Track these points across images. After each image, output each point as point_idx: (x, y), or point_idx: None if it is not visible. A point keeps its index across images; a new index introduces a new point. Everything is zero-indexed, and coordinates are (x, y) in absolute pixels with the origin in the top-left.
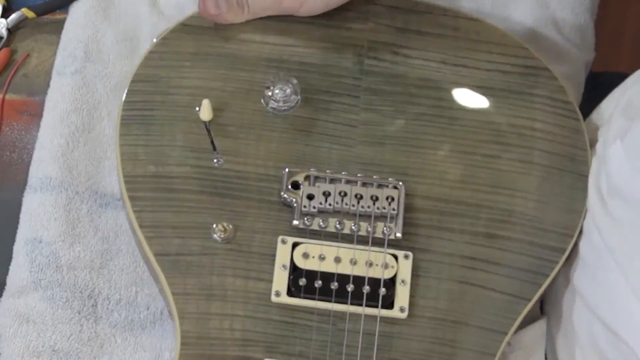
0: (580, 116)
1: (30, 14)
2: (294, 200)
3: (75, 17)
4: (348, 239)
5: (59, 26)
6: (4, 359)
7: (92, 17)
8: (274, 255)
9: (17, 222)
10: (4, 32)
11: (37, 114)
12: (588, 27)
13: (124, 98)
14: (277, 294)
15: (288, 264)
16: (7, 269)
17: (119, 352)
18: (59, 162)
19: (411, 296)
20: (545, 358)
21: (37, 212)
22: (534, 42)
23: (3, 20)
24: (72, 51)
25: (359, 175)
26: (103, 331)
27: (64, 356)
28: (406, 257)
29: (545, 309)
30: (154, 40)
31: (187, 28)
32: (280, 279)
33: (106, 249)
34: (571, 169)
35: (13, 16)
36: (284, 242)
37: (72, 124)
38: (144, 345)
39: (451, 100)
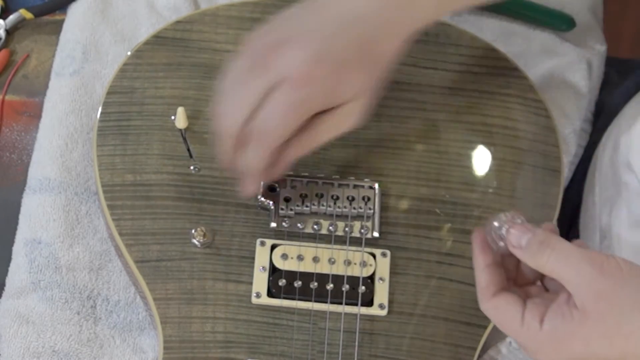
0: (551, 113)
1: (28, 15)
2: (271, 203)
3: (73, 18)
4: (326, 239)
5: (58, 27)
6: (4, 359)
7: (90, 18)
8: (253, 258)
9: (17, 223)
10: (2, 34)
11: (36, 114)
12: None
13: (99, 110)
14: (258, 295)
15: (267, 265)
16: (7, 270)
17: (119, 352)
18: (57, 163)
19: (390, 293)
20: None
21: (36, 213)
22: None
23: (1, 21)
24: (71, 52)
25: (334, 177)
26: (102, 332)
27: (64, 357)
28: (384, 255)
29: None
30: (128, 53)
31: (160, 40)
32: (260, 281)
33: (105, 250)
34: (543, 165)
35: (11, 17)
36: (262, 244)
37: (71, 124)
38: (142, 347)
39: (423, 101)
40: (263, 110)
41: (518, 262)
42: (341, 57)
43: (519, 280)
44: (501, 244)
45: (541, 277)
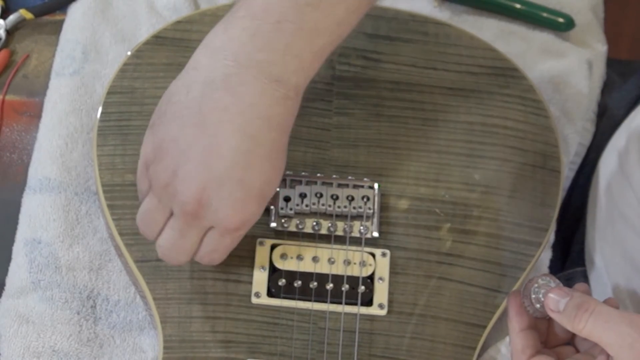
0: (551, 114)
1: (28, 15)
2: (271, 202)
3: (73, 18)
4: (325, 239)
5: (58, 27)
6: (4, 359)
7: (90, 18)
8: (253, 258)
9: (17, 223)
10: (2, 34)
11: (37, 114)
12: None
13: (100, 110)
14: (257, 295)
15: (267, 265)
16: (7, 270)
17: (119, 352)
18: (57, 163)
19: (390, 293)
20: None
21: (36, 213)
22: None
23: (1, 21)
24: (71, 52)
25: (334, 176)
26: (102, 332)
27: (64, 357)
28: (383, 254)
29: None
30: (128, 53)
31: (160, 40)
32: (260, 280)
33: (105, 250)
34: (543, 165)
35: (11, 17)
36: (262, 244)
37: (71, 124)
38: (142, 346)
39: (423, 102)
40: (206, 254)
41: (549, 324)
42: (259, 185)
43: (550, 341)
44: (537, 305)
45: (572, 337)
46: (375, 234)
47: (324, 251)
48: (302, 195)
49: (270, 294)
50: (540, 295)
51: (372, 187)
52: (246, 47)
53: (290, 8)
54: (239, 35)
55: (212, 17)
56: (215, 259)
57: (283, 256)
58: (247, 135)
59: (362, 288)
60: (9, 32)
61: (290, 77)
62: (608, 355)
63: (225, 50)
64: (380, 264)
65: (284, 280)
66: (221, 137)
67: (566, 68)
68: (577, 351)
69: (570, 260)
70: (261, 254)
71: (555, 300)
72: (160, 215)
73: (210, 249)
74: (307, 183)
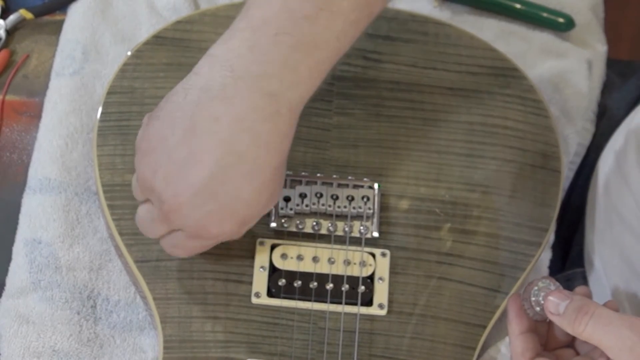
0: (551, 114)
1: (29, 15)
2: None
3: (73, 18)
4: (325, 239)
5: (58, 27)
6: (4, 359)
7: (90, 18)
8: (253, 258)
9: (17, 223)
10: (2, 34)
11: (37, 114)
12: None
13: (100, 110)
14: (257, 295)
15: (267, 265)
16: (7, 270)
17: (119, 352)
18: (57, 163)
19: (390, 293)
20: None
21: (36, 213)
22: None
23: (1, 21)
24: (71, 52)
25: (334, 176)
26: (102, 332)
27: (64, 357)
28: (383, 255)
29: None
30: (128, 53)
31: (160, 40)
32: (260, 280)
33: (105, 250)
34: (543, 165)
35: (11, 17)
36: (262, 244)
37: (71, 125)
38: (142, 346)
39: (423, 102)
40: (169, 246)
41: (549, 327)
42: (234, 205)
43: (550, 344)
44: (537, 309)
45: (572, 340)
46: (375, 234)
47: (324, 251)
48: (302, 195)
49: (270, 294)
50: (540, 298)
51: (372, 187)
52: (244, 58)
53: (288, 20)
54: (239, 46)
55: (212, 17)
56: (179, 254)
57: (283, 256)
58: (231, 150)
59: (362, 288)
60: (9, 32)
61: (285, 92)
62: (608, 358)
63: (224, 60)
64: (380, 264)
65: (284, 280)
66: (206, 146)
67: (566, 68)
68: (577, 354)
69: (570, 261)
70: (261, 254)
71: (555, 303)
72: (138, 196)
73: (172, 244)
74: (307, 183)
